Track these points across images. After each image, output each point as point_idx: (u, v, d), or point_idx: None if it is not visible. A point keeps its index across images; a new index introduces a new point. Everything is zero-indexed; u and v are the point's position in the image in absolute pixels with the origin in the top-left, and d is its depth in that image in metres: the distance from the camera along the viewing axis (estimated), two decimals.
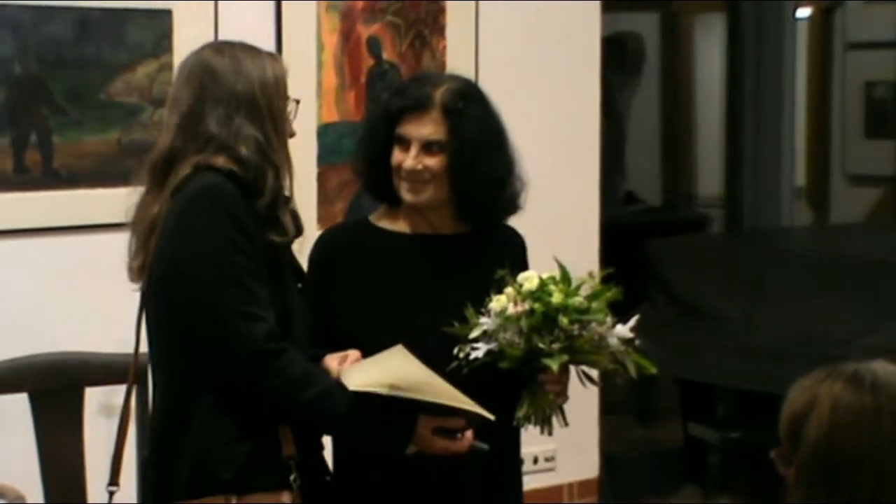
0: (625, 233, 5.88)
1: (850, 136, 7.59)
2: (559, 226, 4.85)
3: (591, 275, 2.68)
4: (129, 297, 2.74)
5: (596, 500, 5.16)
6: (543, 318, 2.58)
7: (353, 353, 2.67)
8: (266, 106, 2.59)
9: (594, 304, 2.62)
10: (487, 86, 4.62)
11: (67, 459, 3.36)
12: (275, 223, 2.57)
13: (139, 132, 3.92)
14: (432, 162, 2.74)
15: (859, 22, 7.57)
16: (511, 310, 2.59)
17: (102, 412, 3.72)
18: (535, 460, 4.90)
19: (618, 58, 7.29)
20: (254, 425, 2.54)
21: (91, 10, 3.86)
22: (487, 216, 2.86)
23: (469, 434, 2.62)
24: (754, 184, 6.48)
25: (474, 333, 2.61)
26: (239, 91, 2.57)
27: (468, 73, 4.56)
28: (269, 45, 4.15)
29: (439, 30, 4.55)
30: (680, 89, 8.05)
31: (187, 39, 3.94)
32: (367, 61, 4.44)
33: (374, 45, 4.46)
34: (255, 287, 2.50)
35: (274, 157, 2.58)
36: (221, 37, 3.98)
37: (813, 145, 7.64)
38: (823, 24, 7.60)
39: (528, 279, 2.64)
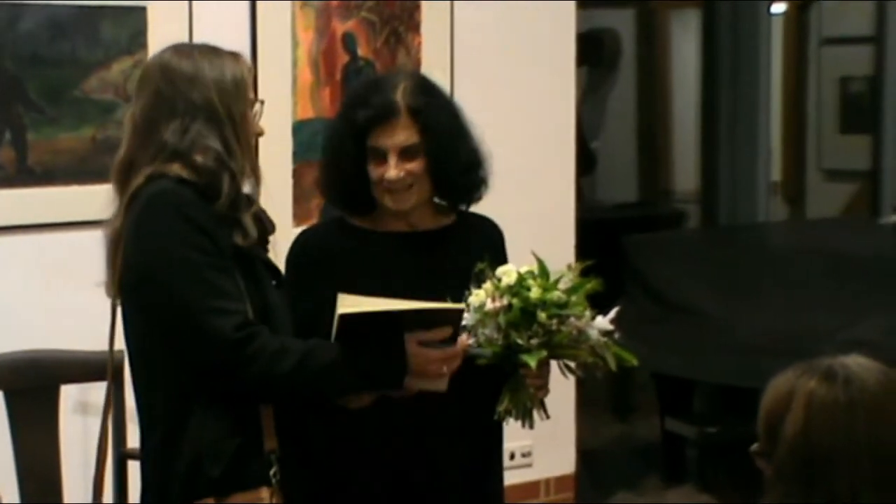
0: (601, 228, 5.90)
1: (825, 131, 7.62)
2: (535, 221, 4.87)
3: (569, 267, 2.69)
4: (102, 295, 2.74)
5: (572, 496, 5.18)
6: (522, 313, 2.58)
7: None
8: (225, 111, 2.56)
9: (573, 298, 2.63)
10: (463, 82, 4.68)
11: (43, 458, 3.36)
12: (237, 225, 2.56)
13: (114, 129, 3.91)
14: (412, 166, 2.73)
15: (834, 17, 7.61)
16: (489, 305, 2.59)
17: (78, 410, 3.72)
18: (512, 456, 4.91)
19: (594, 54, 7.31)
20: (241, 420, 2.54)
21: (66, 7, 3.86)
22: (470, 197, 2.87)
23: (463, 337, 2.59)
24: (730, 179, 6.51)
25: None
26: (195, 98, 2.55)
27: (444, 70, 4.59)
28: (243, 41, 4.17)
29: (414, 26, 4.56)
30: (656, 85, 8.07)
31: (162, 36, 3.94)
32: (343, 58, 4.45)
33: (349, 42, 4.46)
34: (219, 281, 2.50)
35: (232, 163, 2.55)
36: (196, 33, 4.00)
37: (788, 141, 7.67)
38: (798, 19, 7.64)
39: (507, 273, 2.64)
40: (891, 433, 2.12)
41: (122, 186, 2.60)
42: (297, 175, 4.37)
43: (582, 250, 5.11)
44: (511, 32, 4.78)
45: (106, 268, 2.63)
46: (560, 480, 5.15)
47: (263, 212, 2.68)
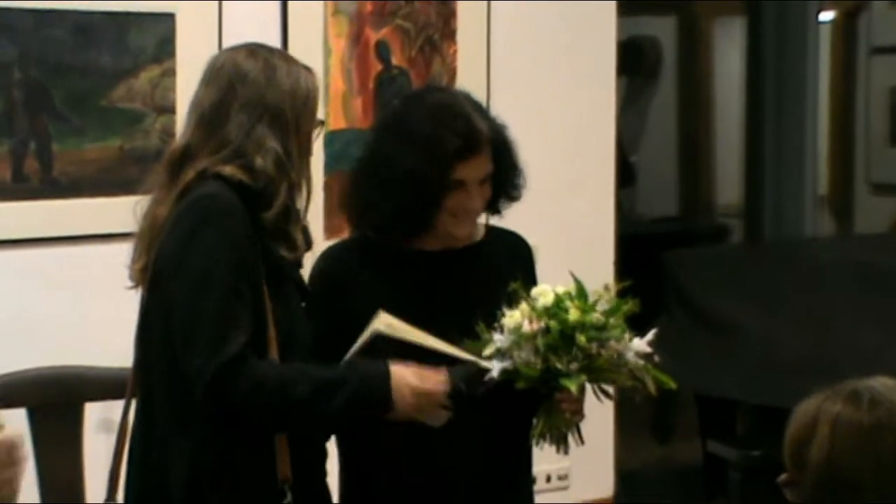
0: (641, 243, 5.88)
1: (874, 144, 7.57)
2: (574, 236, 4.87)
3: (606, 288, 2.68)
4: (131, 309, 2.75)
5: None
6: (560, 336, 2.57)
7: None
8: (293, 119, 2.57)
9: (611, 321, 2.62)
10: (499, 91, 4.68)
11: (66, 476, 3.38)
12: (285, 237, 2.56)
13: (141, 139, 3.94)
14: (486, 192, 2.75)
15: (885, 25, 7.56)
16: (526, 327, 2.58)
17: (102, 428, 3.73)
18: (548, 479, 4.90)
19: (634, 63, 7.30)
20: (250, 444, 2.53)
21: (92, 14, 3.88)
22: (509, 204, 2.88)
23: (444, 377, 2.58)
24: (775, 193, 6.48)
25: (487, 351, 2.60)
26: (268, 99, 2.56)
27: (480, 79, 4.59)
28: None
29: (450, 34, 4.56)
30: (698, 95, 8.04)
31: (190, 45, 3.97)
32: (376, 66, 4.46)
33: (382, 50, 4.47)
34: (233, 306, 2.47)
35: (292, 173, 2.56)
36: (226, 41, 4.01)
37: (836, 153, 7.63)
38: (847, 27, 7.60)
39: (543, 294, 2.63)
40: None
41: (172, 175, 2.59)
42: (328, 187, 4.36)
43: (621, 266, 5.10)
44: (549, 40, 4.78)
45: (134, 251, 2.63)
46: (599, 503, 5.13)
47: (306, 228, 2.68)
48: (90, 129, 3.90)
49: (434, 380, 2.56)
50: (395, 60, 4.48)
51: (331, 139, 4.38)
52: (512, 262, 2.85)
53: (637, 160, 7.34)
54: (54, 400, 3.37)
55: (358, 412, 2.55)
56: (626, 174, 6.47)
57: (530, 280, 2.78)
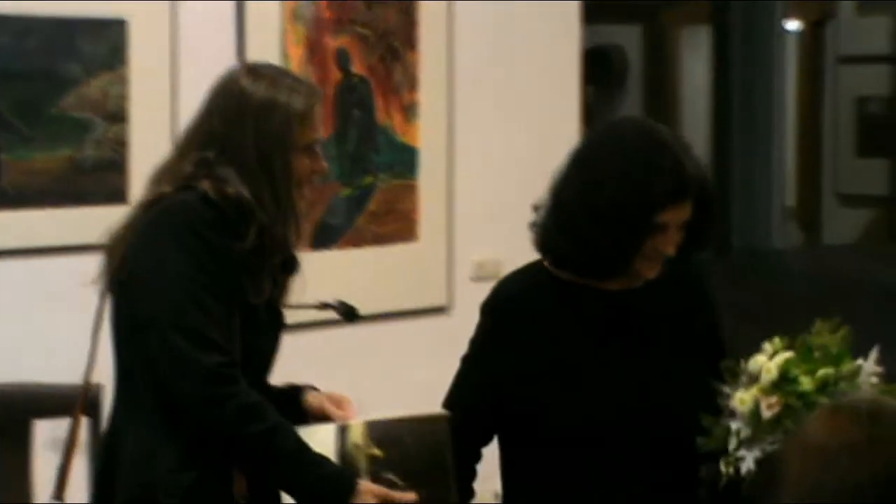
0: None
1: (841, 154, 7.59)
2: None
3: (813, 332, 2.59)
4: (81, 324, 2.70)
5: None
6: (806, 409, 2.45)
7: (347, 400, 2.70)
8: (259, 163, 2.52)
9: (843, 366, 2.51)
10: (462, 101, 4.63)
11: (14, 496, 3.31)
12: (252, 277, 2.53)
13: (93, 149, 3.86)
14: (680, 238, 2.62)
15: (851, 35, 7.58)
16: (765, 412, 2.47)
17: (50, 446, 3.66)
18: (496, 496, 4.84)
19: (600, 71, 7.28)
20: (202, 454, 2.50)
21: (41, 20, 3.81)
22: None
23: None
24: (743, 203, 6.46)
25: (731, 446, 2.48)
26: (232, 140, 2.53)
27: (442, 88, 4.54)
28: (230, 56, 4.11)
29: (411, 42, 4.51)
30: (665, 105, 8.03)
31: (143, 51, 3.90)
32: (335, 75, 4.40)
33: (342, 59, 4.41)
34: (216, 309, 2.47)
35: (262, 216, 2.51)
36: (181, 49, 3.96)
37: (803, 164, 7.64)
38: (814, 37, 7.61)
39: (765, 369, 2.51)
40: None
41: (153, 190, 2.60)
42: None
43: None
44: (513, 48, 4.74)
45: (105, 257, 2.61)
46: None
47: (293, 257, 2.65)
48: (39, 138, 3.81)
49: None
50: (354, 68, 4.42)
51: None
52: (693, 292, 2.75)
53: None
54: (1, 418, 3.30)
55: (312, 494, 2.56)
56: None
57: (709, 307, 2.72)
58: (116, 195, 3.86)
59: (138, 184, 3.91)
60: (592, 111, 7.04)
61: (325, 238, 4.35)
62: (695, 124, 7.69)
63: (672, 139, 2.63)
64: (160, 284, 2.48)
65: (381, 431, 2.59)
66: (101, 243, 2.66)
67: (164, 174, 2.59)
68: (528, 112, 4.80)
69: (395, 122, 4.50)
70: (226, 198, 2.50)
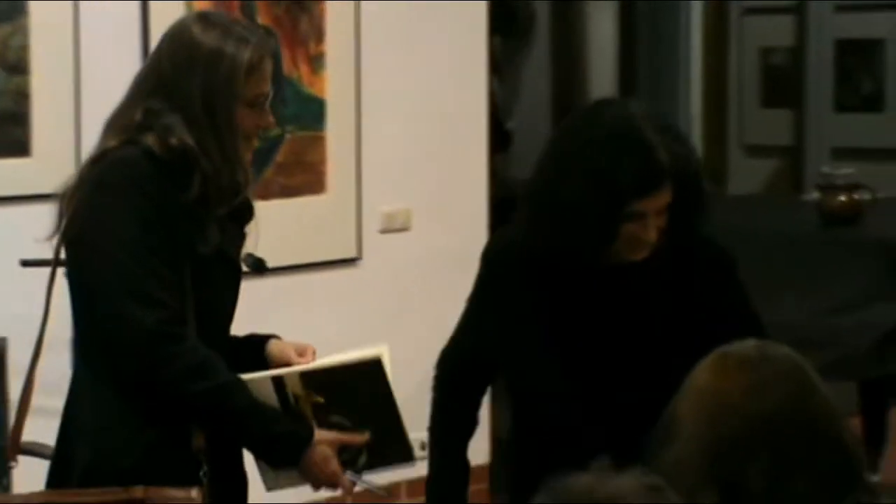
0: (515, 206, 5.85)
1: (747, 105, 7.64)
2: (448, 200, 4.82)
3: None
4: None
5: (486, 487, 5.14)
6: None
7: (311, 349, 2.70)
8: (204, 110, 2.51)
9: None
10: (369, 53, 4.60)
11: None
12: (199, 228, 2.52)
13: None
14: (663, 222, 2.54)
15: None
16: None
17: None
18: (423, 446, 4.86)
19: (505, 22, 7.26)
20: (158, 413, 2.51)
21: None
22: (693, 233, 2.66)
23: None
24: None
25: None
26: (181, 87, 2.52)
27: (349, 40, 4.51)
28: (133, 11, 4.07)
29: None
30: (572, 59, 8.03)
31: (44, 2, 3.84)
32: None
33: (247, 9, 4.37)
34: (159, 267, 2.47)
35: (203, 162, 2.50)
36: (82, 4, 3.90)
37: (709, 115, 7.68)
38: None
39: None
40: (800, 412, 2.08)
41: (101, 142, 2.58)
42: None
43: (495, 229, 5.07)
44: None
45: (57, 213, 2.58)
46: (473, 471, 5.09)
47: (246, 201, 2.63)
48: None
49: (338, 476, 2.60)
50: (260, 19, 4.38)
51: None
52: (700, 271, 2.65)
53: (512, 124, 7.31)
54: None
55: (272, 447, 2.58)
56: (500, 138, 6.44)
57: (727, 287, 2.64)
58: (18, 147, 3.80)
59: (41, 136, 3.88)
60: (500, 64, 7.03)
61: None
62: (603, 77, 7.71)
63: (645, 124, 2.51)
64: (104, 247, 2.48)
65: (317, 380, 2.59)
66: (9, 195, 2.63)
67: (114, 123, 2.57)
68: (436, 63, 4.78)
69: (302, 73, 4.47)
70: (170, 150, 2.49)
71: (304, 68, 4.48)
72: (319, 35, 4.49)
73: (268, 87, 2.58)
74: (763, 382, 2.08)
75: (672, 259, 2.61)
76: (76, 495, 2.49)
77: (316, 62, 4.50)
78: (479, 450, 5.09)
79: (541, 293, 2.64)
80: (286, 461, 2.59)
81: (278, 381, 2.58)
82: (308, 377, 2.59)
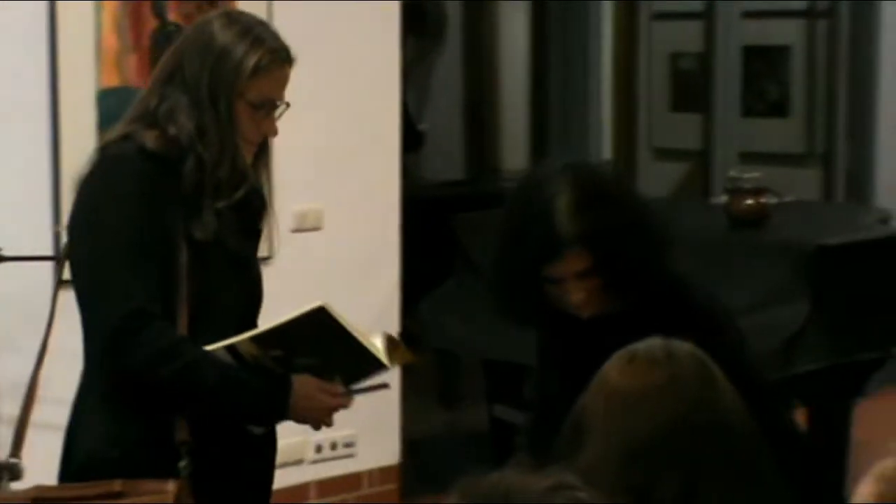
0: (428, 207, 5.85)
1: (656, 109, 7.69)
2: (360, 200, 4.81)
3: None
4: None
5: (397, 487, 5.14)
6: None
7: None
8: (209, 94, 2.58)
9: None
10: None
11: None
12: (196, 214, 2.58)
13: None
14: (592, 283, 2.55)
15: None
16: None
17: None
18: (334, 446, 4.85)
19: (418, 23, 7.26)
20: (142, 405, 2.57)
21: None
22: (642, 294, 2.63)
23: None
24: (560, 157, 6.51)
25: None
26: (188, 71, 2.60)
27: None
28: (41, 11, 4.02)
29: None
30: (483, 59, 8.05)
31: None
32: (151, 23, 4.32)
33: (158, 6, 4.33)
34: (138, 262, 2.52)
35: (200, 148, 2.57)
36: None
37: (619, 118, 7.72)
38: None
39: None
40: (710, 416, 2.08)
41: (117, 129, 2.67)
42: None
43: (408, 230, 5.07)
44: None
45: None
46: (384, 471, 5.11)
47: (259, 198, 2.72)
48: None
49: (331, 401, 2.65)
50: (171, 16, 4.34)
51: (104, 97, 4.24)
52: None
53: (424, 125, 7.31)
54: None
55: (258, 407, 2.63)
56: (412, 138, 6.43)
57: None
58: None
59: None
60: (411, 64, 7.02)
61: None
62: (514, 79, 7.73)
63: (560, 192, 2.53)
64: (87, 246, 2.57)
65: (269, 338, 2.60)
66: None
67: (135, 109, 2.66)
68: (349, 63, 4.77)
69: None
70: (166, 142, 2.57)
71: None
72: None
73: (277, 95, 2.65)
74: (671, 382, 2.08)
75: (654, 311, 2.58)
76: (59, 490, 2.57)
77: None
78: (390, 450, 5.09)
79: (554, 339, 2.76)
80: (275, 415, 2.64)
81: (233, 350, 2.58)
82: (260, 339, 2.59)
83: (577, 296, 2.55)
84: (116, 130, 2.64)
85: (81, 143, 4.17)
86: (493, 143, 7.92)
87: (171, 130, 2.57)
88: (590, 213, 2.52)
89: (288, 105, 2.68)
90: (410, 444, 5.25)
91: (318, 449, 4.82)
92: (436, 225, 5.46)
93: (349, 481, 4.98)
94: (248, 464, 2.74)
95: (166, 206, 2.56)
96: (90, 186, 2.60)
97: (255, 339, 2.59)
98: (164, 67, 2.66)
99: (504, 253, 2.61)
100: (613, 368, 2.12)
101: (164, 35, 4.32)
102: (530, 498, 1.46)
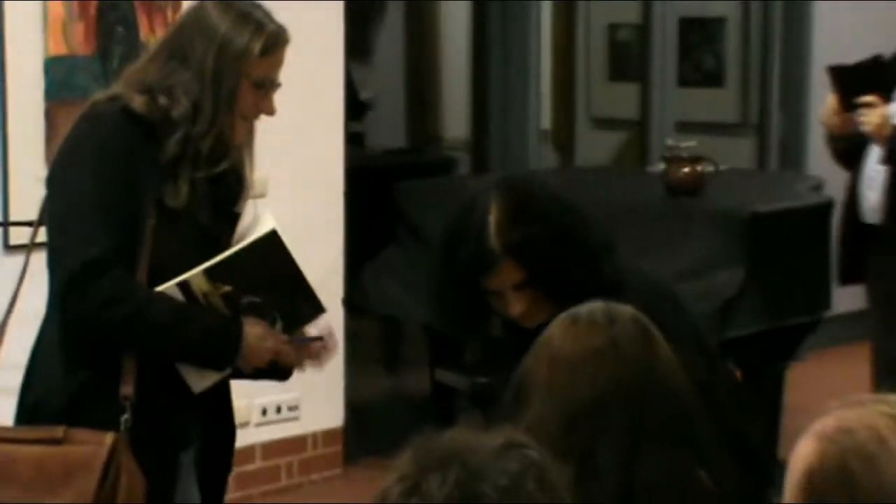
0: (370, 175, 5.87)
1: (594, 79, 7.73)
2: (305, 168, 4.82)
3: None
4: None
5: (340, 450, 5.17)
6: None
7: None
8: (213, 74, 2.65)
9: None
10: None
11: None
12: (173, 183, 2.63)
13: None
14: (531, 294, 2.61)
15: None
16: None
17: None
18: (279, 409, 4.87)
19: None
20: (91, 356, 2.62)
21: None
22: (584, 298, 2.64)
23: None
24: (500, 127, 6.54)
25: None
26: (195, 50, 2.65)
27: None
28: None
29: None
30: (425, 30, 8.06)
31: None
32: None
33: None
34: (104, 213, 2.57)
35: (189, 125, 2.62)
36: None
37: (558, 88, 7.76)
38: None
39: None
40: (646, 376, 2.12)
41: (109, 91, 2.73)
42: (49, 114, 4.21)
43: (352, 197, 5.08)
44: None
45: None
46: (328, 434, 5.13)
47: (236, 171, 2.74)
48: None
49: (281, 345, 2.70)
50: None
51: (51, 65, 4.22)
52: None
53: (367, 93, 7.31)
54: None
55: (209, 346, 2.65)
56: (355, 107, 6.44)
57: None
58: None
59: None
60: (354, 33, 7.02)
61: None
62: (455, 50, 7.75)
63: (490, 209, 2.61)
64: (60, 192, 2.64)
65: (221, 271, 2.64)
66: None
67: (129, 76, 2.73)
68: (293, 33, 4.75)
69: (159, 38, 4.42)
70: (151, 109, 2.62)
71: (161, 33, 4.42)
72: (176, 3, 4.44)
73: (276, 74, 2.75)
74: (612, 346, 2.12)
75: None
76: (6, 431, 2.63)
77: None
78: (334, 414, 5.12)
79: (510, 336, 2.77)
80: (225, 357, 2.66)
81: (184, 286, 2.62)
82: (212, 272, 2.64)
83: (517, 307, 2.62)
84: (106, 92, 2.71)
85: (30, 110, 4.18)
86: (434, 112, 7.94)
87: (162, 101, 2.63)
88: (518, 226, 2.60)
89: (280, 85, 2.77)
90: (354, 407, 5.28)
91: (264, 412, 4.85)
92: (379, 192, 5.48)
93: (294, 444, 5.00)
94: (185, 422, 2.76)
95: (141, 168, 2.61)
96: (71, 140, 2.66)
97: (208, 272, 2.62)
98: (164, 46, 2.72)
99: (443, 266, 2.70)
100: (556, 332, 2.14)
101: (112, 5, 4.32)
102: (482, 457, 1.49)
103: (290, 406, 4.92)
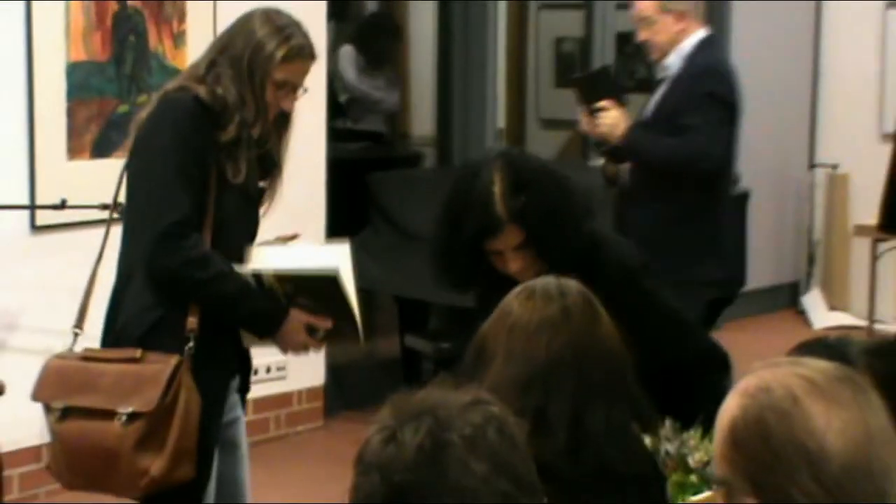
0: (348, 167, 5.87)
1: (542, 85, 7.75)
2: (291, 163, 4.80)
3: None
4: None
5: (321, 405, 5.18)
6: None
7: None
8: (248, 69, 2.78)
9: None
10: (224, 19, 4.54)
11: None
12: (233, 161, 2.78)
13: None
14: (531, 253, 2.61)
15: None
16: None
17: None
18: (268, 369, 4.87)
19: (339, 9, 7.23)
20: (165, 300, 2.77)
21: None
22: (568, 256, 2.61)
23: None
24: (462, 126, 6.54)
25: None
26: (236, 48, 2.81)
27: (207, 18, 4.44)
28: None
29: None
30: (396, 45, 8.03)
31: None
32: (113, 6, 4.30)
33: None
34: (185, 182, 2.72)
35: (242, 113, 2.77)
36: None
37: (512, 92, 7.77)
38: None
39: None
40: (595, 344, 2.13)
41: (174, 83, 2.88)
42: (71, 112, 4.20)
43: (332, 186, 5.08)
44: None
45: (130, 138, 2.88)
46: (311, 391, 5.14)
47: (272, 160, 2.90)
48: None
49: (306, 344, 2.88)
50: (129, 2, 4.32)
51: (72, 70, 4.21)
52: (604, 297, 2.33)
53: (344, 97, 7.30)
54: None
55: (254, 323, 2.84)
56: (334, 108, 6.42)
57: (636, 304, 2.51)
58: None
59: None
60: (333, 44, 7.00)
61: (104, 149, 4.27)
62: (423, 56, 7.74)
63: (494, 179, 2.59)
64: (147, 158, 2.77)
65: (287, 278, 2.80)
66: None
67: (190, 69, 2.92)
68: None
69: (166, 47, 4.42)
70: (215, 98, 2.77)
71: (167, 43, 4.43)
72: (182, 16, 4.45)
73: (298, 79, 2.86)
74: (564, 315, 2.13)
75: (577, 269, 2.48)
76: (100, 352, 2.82)
77: (178, 39, 4.45)
78: (316, 374, 5.12)
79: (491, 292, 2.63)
80: (266, 333, 2.85)
81: (257, 276, 2.79)
82: (280, 276, 2.79)
83: (516, 265, 2.62)
84: (173, 84, 2.85)
85: (55, 108, 4.16)
86: (404, 111, 7.93)
87: (219, 90, 2.78)
88: (521, 195, 2.59)
89: (306, 90, 2.89)
90: (333, 369, 5.29)
91: (255, 371, 4.82)
92: (354, 182, 5.49)
93: (281, 400, 5.01)
94: (233, 355, 2.92)
95: (206, 147, 2.75)
96: (151, 119, 2.80)
97: (277, 275, 2.79)
98: (215, 46, 2.88)
99: (447, 231, 2.66)
100: (514, 301, 2.15)
101: (125, 16, 4.31)
102: (451, 411, 1.51)
103: (279, 367, 4.92)
